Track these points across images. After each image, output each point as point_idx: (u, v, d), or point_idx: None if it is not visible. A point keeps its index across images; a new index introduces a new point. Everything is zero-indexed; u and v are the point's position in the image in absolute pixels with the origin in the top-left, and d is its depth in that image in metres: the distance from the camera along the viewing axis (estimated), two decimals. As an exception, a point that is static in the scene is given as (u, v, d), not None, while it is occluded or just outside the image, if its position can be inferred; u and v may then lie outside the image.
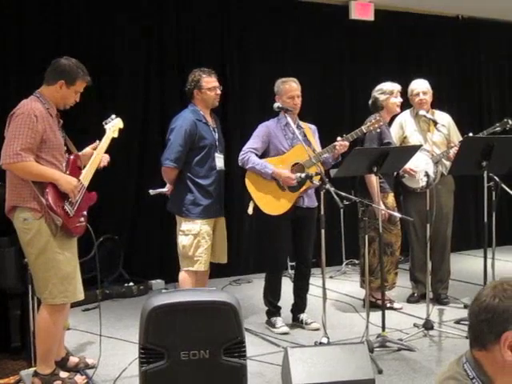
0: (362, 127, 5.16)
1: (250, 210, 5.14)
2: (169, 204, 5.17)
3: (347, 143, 5.06)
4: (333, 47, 8.21)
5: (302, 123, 5.31)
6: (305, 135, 5.25)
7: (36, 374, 4.04)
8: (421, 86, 5.89)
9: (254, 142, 5.19)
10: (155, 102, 7.14)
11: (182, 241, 5.01)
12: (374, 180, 5.08)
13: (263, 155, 5.18)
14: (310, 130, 5.35)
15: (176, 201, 5.09)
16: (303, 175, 4.78)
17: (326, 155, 5.11)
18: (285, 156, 5.16)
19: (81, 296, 4.11)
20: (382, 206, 5.27)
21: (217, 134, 5.14)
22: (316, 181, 4.59)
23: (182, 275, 5.05)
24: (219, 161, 5.10)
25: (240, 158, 5.13)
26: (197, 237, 4.97)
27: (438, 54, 8.79)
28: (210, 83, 5.06)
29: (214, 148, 5.07)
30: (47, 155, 3.89)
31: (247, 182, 5.14)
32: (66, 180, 3.91)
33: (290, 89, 5.20)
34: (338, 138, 5.07)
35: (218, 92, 5.12)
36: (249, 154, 5.10)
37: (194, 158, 5.00)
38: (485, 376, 1.90)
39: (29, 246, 3.91)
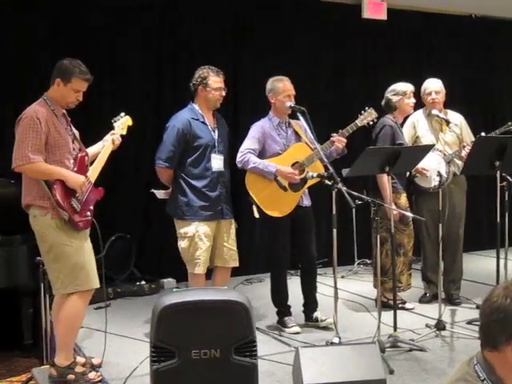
0: (357, 121, 5.17)
1: (256, 214, 5.10)
2: (167, 206, 5.13)
3: (344, 138, 5.09)
4: (345, 47, 8.19)
5: (291, 121, 5.30)
6: (296, 133, 5.26)
7: (53, 364, 4.12)
8: (434, 86, 5.85)
9: (251, 142, 5.13)
10: (167, 100, 7.15)
11: (180, 244, 5.00)
12: (385, 180, 5.07)
13: (259, 156, 5.13)
14: (299, 126, 5.28)
15: (171, 203, 5.07)
16: (315, 174, 4.79)
17: (329, 150, 5.12)
18: (283, 155, 5.15)
19: (93, 285, 4.16)
20: (394, 207, 5.26)
21: (216, 134, 5.06)
22: (327, 181, 4.60)
23: (190, 279, 5.05)
24: (217, 162, 5.01)
25: (239, 159, 5.06)
26: (193, 239, 4.92)
27: (450, 54, 8.73)
28: (216, 83, 5.01)
29: (210, 148, 4.99)
30: (54, 154, 4.03)
31: (248, 184, 5.08)
32: (72, 177, 4.04)
33: (286, 88, 5.19)
34: (333, 134, 5.08)
35: (223, 94, 5.07)
36: (248, 155, 5.04)
37: (188, 158, 4.95)
38: (495, 377, 1.89)
39: (40, 241, 4.09)
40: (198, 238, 4.92)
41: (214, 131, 5.05)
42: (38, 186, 4.00)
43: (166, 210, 5.13)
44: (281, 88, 5.18)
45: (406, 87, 5.69)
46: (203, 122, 5.02)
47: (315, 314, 5.30)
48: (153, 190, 5.29)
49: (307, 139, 5.15)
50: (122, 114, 4.56)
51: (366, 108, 5.23)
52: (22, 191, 4.10)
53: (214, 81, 5.00)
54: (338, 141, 5.07)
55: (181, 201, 4.96)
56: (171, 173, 5.03)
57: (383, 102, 5.75)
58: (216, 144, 5.02)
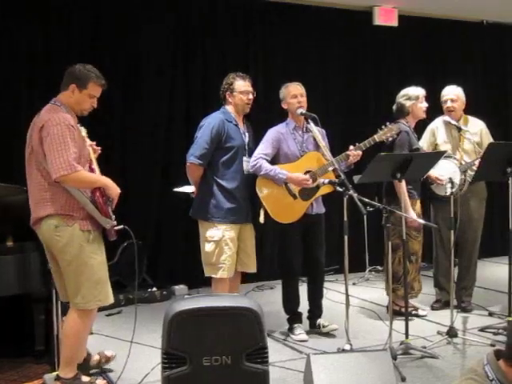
0: (375, 136, 5.11)
1: (262, 219, 5.08)
2: (191, 210, 5.12)
3: (360, 152, 5.05)
4: (357, 53, 8.20)
5: (311, 126, 5.21)
6: (314, 139, 5.22)
7: (58, 377, 4.07)
8: (449, 94, 5.82)
9: (265, 147, 5.13)
10: (179, 109, 7.19)
11: (205, 247, 4.96)
12: (404, 186, 5.06)
13: (273, 160, 5.14)
14: (319, 132, 5.27)
15: (199, 205, 5.04)
16: (326, 181, 4.78)
17: (343, 163, 5.10)
18: (297, 163, 5.14)
19: (111, 300, 4.15)
20: (412, 212, 5.25)
21: (247, 139, 5.10)
22: (338, 187, 4.60)
23: (213, 283, 5.00)
24: (247, 165, 5.04)
25: (251, 164, 5.04)
26: (219, 243, 4.90)
27: (462, 60, 8.73)
28: (242, 87, 5.04)
29: (242, 151, 5.02)
30: (79, 163, 3.87)
31: (258, 189, 5.07)
32: (113, 185, 4.00)
33: (291, 89, 5.20)
34: (351, 147, 5.05)
35: (250, 97, 5.09)
36: (260, 161, 5.03)
37: (221, 158, 4.95)
38: (507, 381, 1.90)
39: (61, 253, 3.95)
40: (224, 242, 4.90)
41: (244, 134, 5.09)
42: (66, 195, 3.88)
43: (190, 213, 5.11)
44: (286, 92, 5.22)
45: (418, 91, 5.67)
46: (236, 125, 5.05)
47: (318, 321, 5.31)
48: (178, 189, 5.21)
49: (324, 147, 5.11)
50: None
51: (388, 124, 5.15)
52: (32, 204, 3.98)
53: (239, 85, 5.04)
54: (354, 155, 5.04)
55: (210, 202, 4.94)
56: (201, 172, 4.99)
57: (395, 108, 5.73)
58: (246, 147, 5.06)
